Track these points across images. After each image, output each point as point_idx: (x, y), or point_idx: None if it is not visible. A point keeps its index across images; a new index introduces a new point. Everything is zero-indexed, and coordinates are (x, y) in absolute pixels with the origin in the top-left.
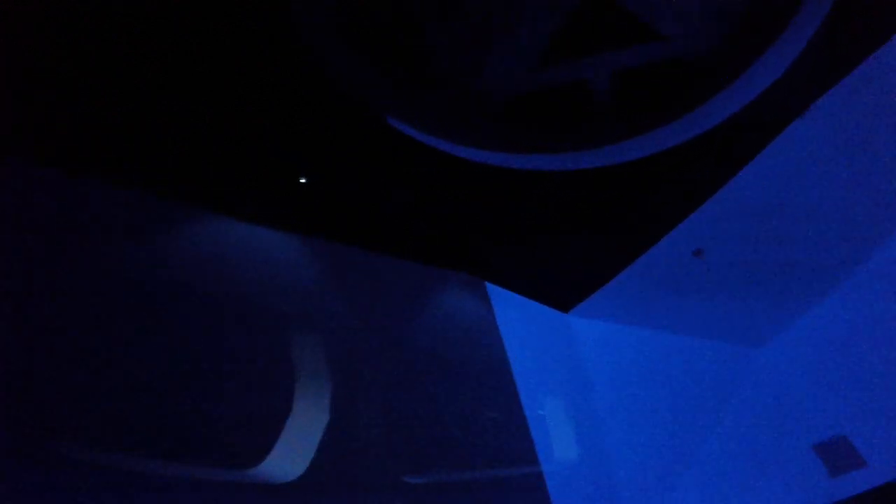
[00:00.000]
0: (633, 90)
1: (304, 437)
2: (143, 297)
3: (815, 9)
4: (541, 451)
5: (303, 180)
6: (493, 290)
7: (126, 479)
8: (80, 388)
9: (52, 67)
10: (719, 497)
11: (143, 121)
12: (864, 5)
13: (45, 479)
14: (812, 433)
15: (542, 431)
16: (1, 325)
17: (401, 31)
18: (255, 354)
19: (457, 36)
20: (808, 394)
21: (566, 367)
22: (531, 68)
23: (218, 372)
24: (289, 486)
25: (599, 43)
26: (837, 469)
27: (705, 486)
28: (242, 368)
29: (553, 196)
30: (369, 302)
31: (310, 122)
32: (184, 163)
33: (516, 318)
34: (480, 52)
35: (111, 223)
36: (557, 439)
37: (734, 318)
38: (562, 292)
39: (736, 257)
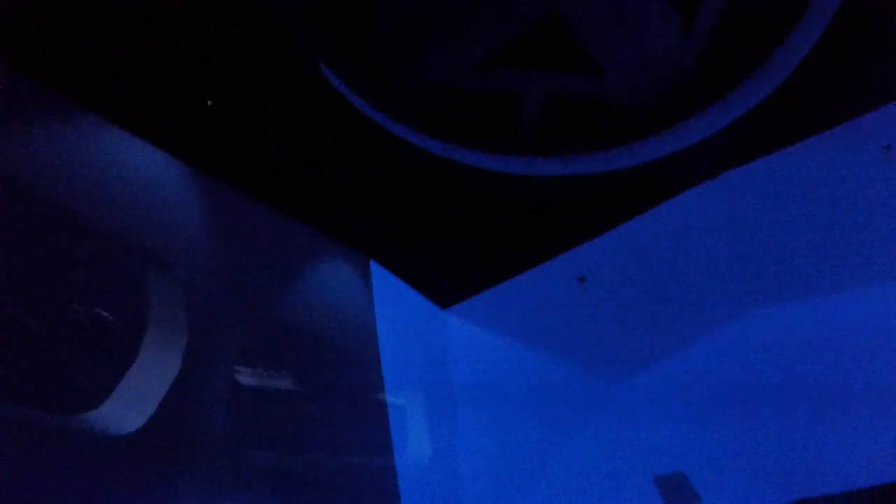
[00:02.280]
0: (562, 119)
1: (147, 390)
2: None
3: (749, 94)
4: (395, 442)
5: (210, 103)
6: (375, 269)
7: None
8: None
9: None
10: None
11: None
12: (795, 103)
13: None
14: (655, 468)
15: (399, 423)
16: None
17: None
18: (105, 285)
19: (407, 13)
20: (657, 432)
21: (433, 363)
22: (473, 64)
23: (57, 296)
24: (119, 440)
25: (546, 63)
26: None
27: (548, 502)
28: (89, 298)
29: (457, 190)
30: (244, 255)
31: (233, 41)
32: (74, 48)
33: (393, 304)
34: (426, 35)
35: None
36: (412, 433)
37: (602, 350)
38: (443, 287)
39: (616, 294)
